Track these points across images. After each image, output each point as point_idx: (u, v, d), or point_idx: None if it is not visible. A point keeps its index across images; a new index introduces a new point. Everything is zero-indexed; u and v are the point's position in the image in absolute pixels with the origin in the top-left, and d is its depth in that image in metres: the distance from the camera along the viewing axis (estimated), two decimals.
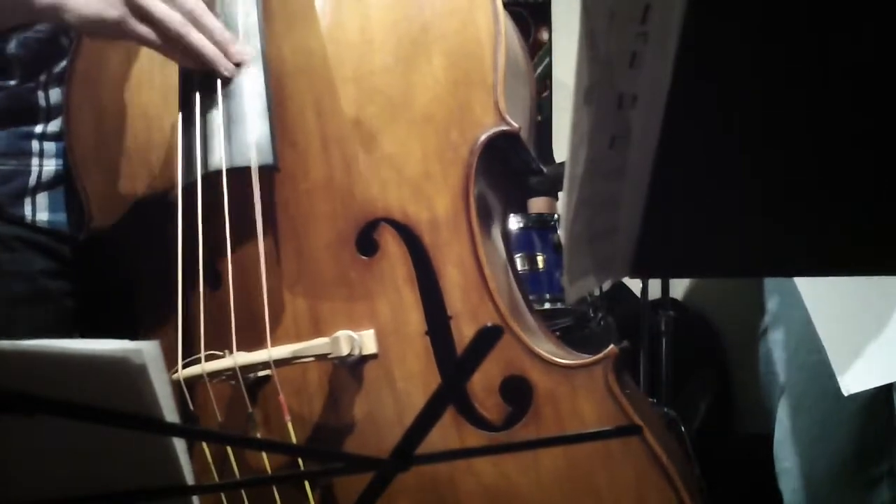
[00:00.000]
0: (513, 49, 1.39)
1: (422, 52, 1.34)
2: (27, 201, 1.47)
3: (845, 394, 1.49)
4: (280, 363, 1.28)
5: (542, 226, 2.33)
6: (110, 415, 0.57)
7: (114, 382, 0.67)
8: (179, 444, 0.72)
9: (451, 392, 0.62)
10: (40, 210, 1.48)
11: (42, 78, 1.47)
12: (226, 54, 1.32)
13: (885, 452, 1.71)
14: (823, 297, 1.54)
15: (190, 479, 0.72)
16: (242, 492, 1.29)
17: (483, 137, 1.32)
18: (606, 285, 2.50)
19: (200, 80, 1.34)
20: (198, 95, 1.34)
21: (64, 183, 1.49)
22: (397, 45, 1.35)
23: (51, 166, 1.48)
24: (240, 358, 1.28)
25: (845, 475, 1.73)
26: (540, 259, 2.28)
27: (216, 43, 1.30)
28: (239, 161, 1.32)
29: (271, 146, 1.32)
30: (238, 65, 1.33)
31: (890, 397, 1.69)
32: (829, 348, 1.49)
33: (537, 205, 2.53)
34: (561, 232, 1.53)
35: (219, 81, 1.33)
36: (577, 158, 0.56)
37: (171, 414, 0.70)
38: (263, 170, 1.32)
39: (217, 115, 1.33)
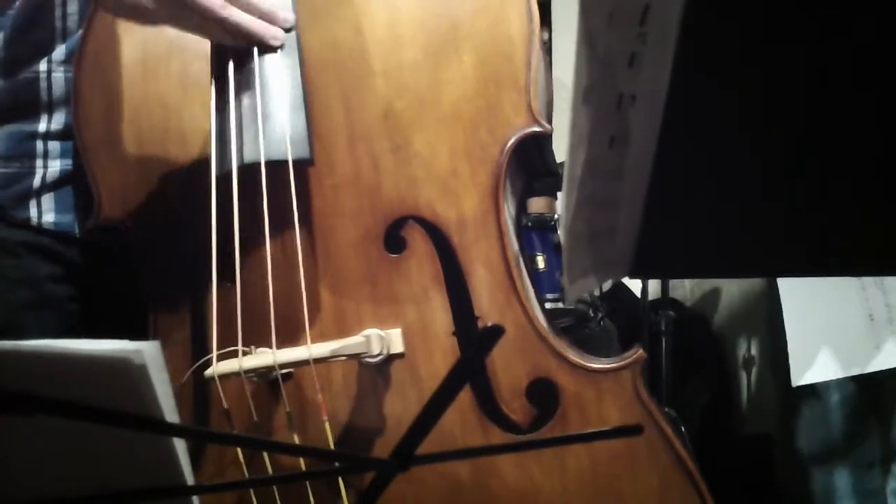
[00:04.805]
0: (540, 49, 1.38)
1: (451, 50, 1.33)
2: (32, 203, 1.45)
3: (793, 385, 1.54)
4: (318, 361, 1.26)
5: (542, 226, 2.33)
6: (110, 415, 0.57)
7: (114, 382, 0.67)
8: (179, 444, 0.72)
9: (450, 393, 0.62)
10: (46, 212, 1.46)
11: (42, 67, 1.46)
12: (274, 22, 1.28)
13: (873, 441, 1.75)
14: (796, 295, 1.57)
15: (190, 479, 0.72)
16: (274, 489, 1.27)
17: (514, 138, 1.31)
18: (606, 285, 2.51)
19: (234, 69, 1.31)
20: (231, 84, 1.31)
21: (70, 183, 1.47)
22: (427, 41, 1.33)
23: (55, 167, 1.46)
24: (280, 355, 1.26)
25: (836, 461, 1.77)
26: (540, 259, 2.28)
27: (262, 15, 1.27)
28: (274, 154, 1.28)
29: (307, 139, 1.30)
30: (289, 30, 1.30)
31: (874, 394, 1.72)
32: (790, 342, 1.53)
33: (537, 205, 2.53)
34: (561, 232, 1.53)
35: (256, 72, 1.30)
36: (576, 158, 0.56)
37: (171, 414, 0.70)
38: (297, 164, 1.29)
39: (251, 106, 1.30)
